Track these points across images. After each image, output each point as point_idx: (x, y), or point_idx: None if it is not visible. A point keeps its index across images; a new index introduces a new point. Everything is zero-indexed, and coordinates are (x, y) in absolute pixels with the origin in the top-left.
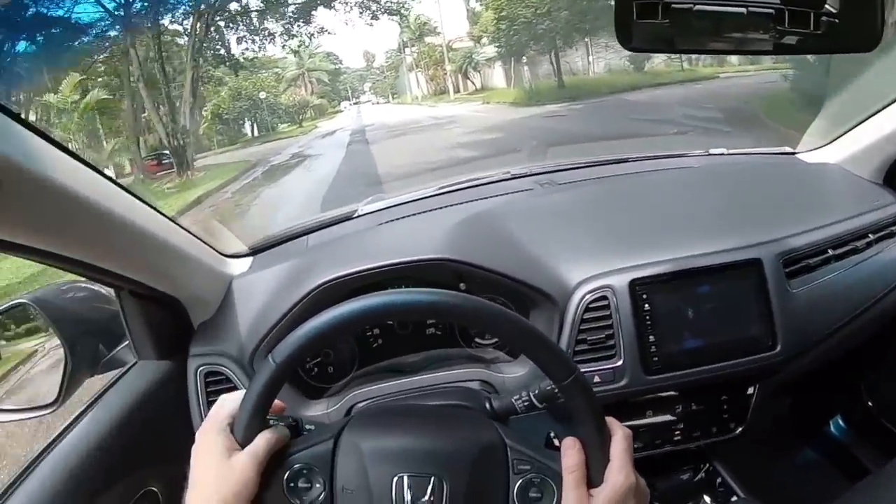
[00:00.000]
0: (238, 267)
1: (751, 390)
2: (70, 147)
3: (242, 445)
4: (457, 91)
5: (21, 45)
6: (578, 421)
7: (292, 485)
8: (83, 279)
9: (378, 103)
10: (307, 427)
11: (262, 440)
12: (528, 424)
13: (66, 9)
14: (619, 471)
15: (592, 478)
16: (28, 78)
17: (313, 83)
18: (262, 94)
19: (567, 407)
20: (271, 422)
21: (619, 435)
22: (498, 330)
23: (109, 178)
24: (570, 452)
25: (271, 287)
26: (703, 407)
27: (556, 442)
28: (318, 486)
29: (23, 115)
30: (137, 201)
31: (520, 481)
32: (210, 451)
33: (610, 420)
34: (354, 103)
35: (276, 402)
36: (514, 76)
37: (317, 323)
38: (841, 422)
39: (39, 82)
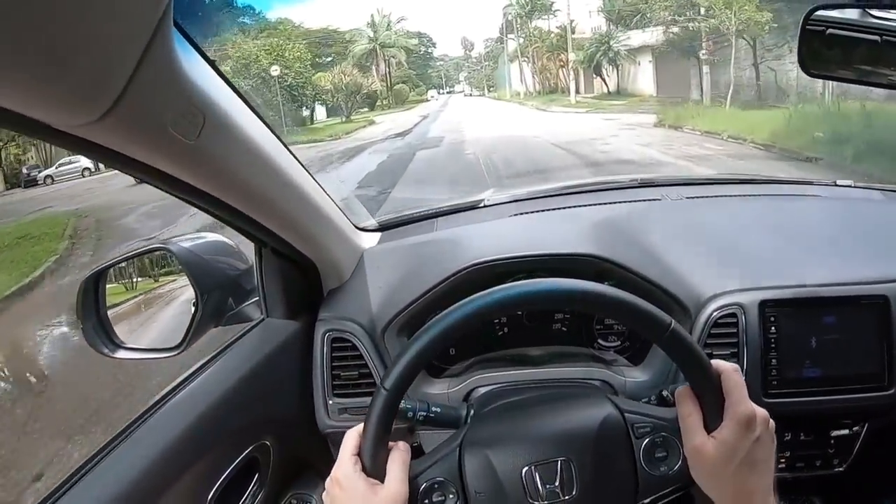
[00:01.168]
0: (369, 240)
1: (860, 428)
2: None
3: (375, 474)
4: (578, 91)
5: None
6: (685, 370)
7: (427, 501)
8: (220, 234)
9: (471, 94)
10: (433, 410)
11: (396, 469)
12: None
13: None
14: (735, 405)
15: (709, 419)
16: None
17: (390, 64)
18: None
19: (672, 359)
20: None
21: (728, 369)
22: (592, 304)
23: (279, 137)
24: (684, 401)
25: (405, 263)
26: (811, 438)
27: (672, 400)
28: (451, 496)
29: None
30: (299, 164)
31: (644, 444)
32: (352, 494)
33: (716, 361)
34: (447, 92)
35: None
36: (670, 79)
37: (419, 344)
38: None
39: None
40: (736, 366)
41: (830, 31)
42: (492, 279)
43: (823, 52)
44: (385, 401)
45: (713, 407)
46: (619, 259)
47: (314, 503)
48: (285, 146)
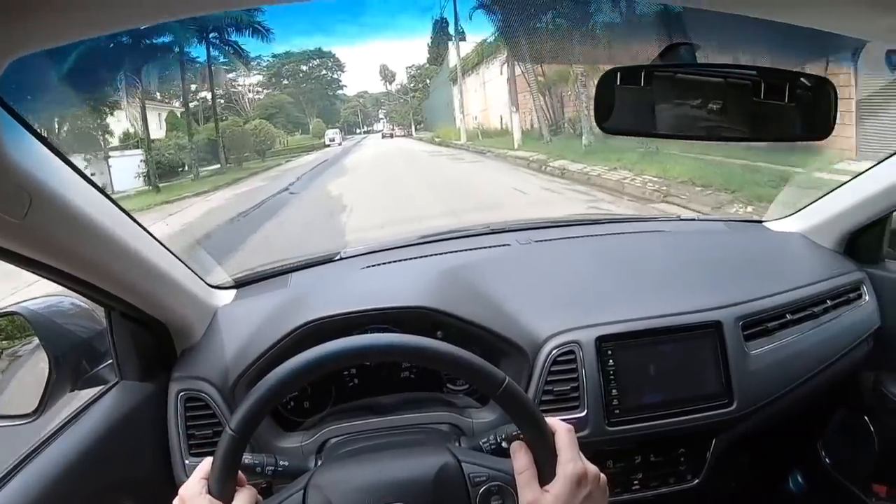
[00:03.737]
0: (223, 298)
1: (708, 444)
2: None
3: (220, 498)
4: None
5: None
6: (520, 425)
7: None
8: (72, 295)
9: (391, 135)
10: (281, 464)
11: (243, 497)
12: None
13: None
14: (567, 462)
15: (544, 475)
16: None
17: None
18: None
19: (507, 414)
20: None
21: (562, 429)
22: (432, 360)
23: (117, 204)
24: (518, 455)
25: (255, 320)
26: (662, 458)
27: (504, 441)
28: None
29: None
30: (139, 228)
31: (480, 491)
32: None
33: (551, 420)
34: (364, 132)
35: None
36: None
37: (266, 386)
38: (799, 478)
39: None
40: (569, 426)
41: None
42: (334, 333)
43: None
44: (230, 442)
45: (546, 463)
46: (453, 310)
47: None
48: (126, 213)
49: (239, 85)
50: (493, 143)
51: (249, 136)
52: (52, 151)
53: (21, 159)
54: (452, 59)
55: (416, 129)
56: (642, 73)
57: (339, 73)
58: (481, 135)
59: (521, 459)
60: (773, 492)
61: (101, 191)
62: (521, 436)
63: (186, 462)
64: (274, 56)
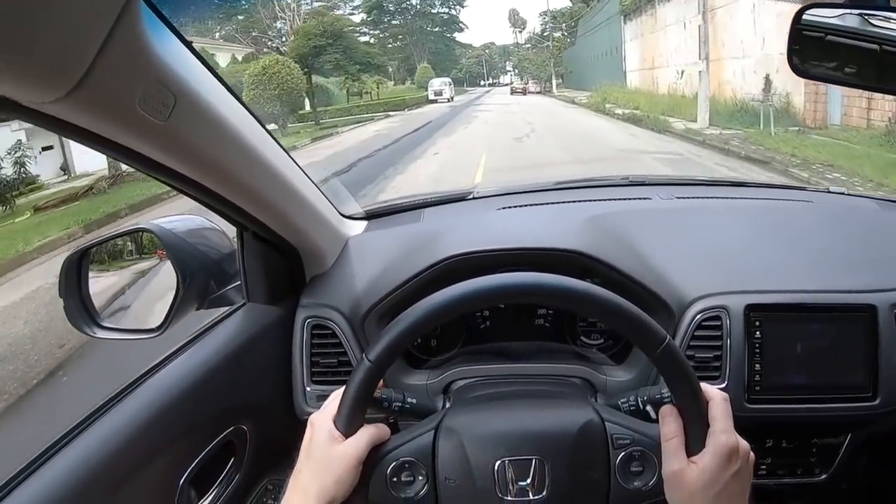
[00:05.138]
0: (355, 228)
1: (843, 438)
2: None
3: (346, 437)
4: None
5: None
6: (674, 389)
7: (395, 479)
8: (204, 215)
9: (523, 90)
10: (409, 401)
11: (364, 434)
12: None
13: None
14: (720, 433)
15: (692, 444)
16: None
17: None
18: None
19: (662, 375)
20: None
21: (717, 397)
22: (591, 307)
23: (258, 120)
24: (668, 420)
25: (388, 252)
26: (793, 446)
27: (653, 414)
28: (420, 478)
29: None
30: (280, 148)
31: (620, 455)
32: (314, 442)
33: (705, 386)
34: (488, 85)
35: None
36: None
37: (410, 319)
38: None
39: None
40: (725, 395)
41: (829, 37)
42: (474, 271)
43: (815, 54)
44: (366, 372)
45: (697, 432)
46: (605, 257)
47: None
48: (266, 130)
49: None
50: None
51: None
52: (197, 57)
53: (165, 57)
54: None
55: (556, 86)
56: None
57: (457, 7)
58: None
59: (670, 425)
60: (889, 502)
61: (243, 104)
62: (668, 399)
63: (307, 390)
64: None
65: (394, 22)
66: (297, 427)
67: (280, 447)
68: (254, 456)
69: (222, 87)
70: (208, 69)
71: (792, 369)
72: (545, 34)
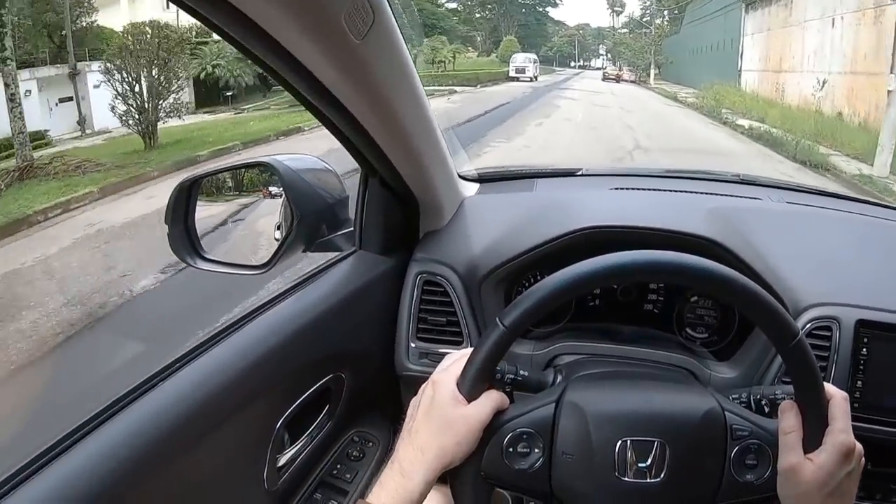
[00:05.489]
0: (469, 189)
1: None
2: None
3: (469, 401)
4: None
5: None
6: (798, 384)
7: (511, 449)
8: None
9: (616, 76)
10: (521, 373)
11: (489, 399)
12: None
13: None
14: (839, 432)
15: (809, 441)
16: None
17: None
18: None
19: (788, 370)
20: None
21: (838, 396)
22: (727, 290)
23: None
24: (787, 415)
25: (507, 217)
26: (885, 470)
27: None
28: (536, 451)
29: None
30: (426, 101)
31: (737, 447)
32: (436, 402)
33: (827, 385)
34: (579, 67)
35: None
36: None
37: (551, 286)
38: None
39: None
40: (846, 394)
41: None
42: (602, 247)
43: None
44: (499, 336)
45: (816, 429)
46: (735, 248)
47: (374, 444)
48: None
49: None
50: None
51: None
52: None
53: None
54: None
55: (653, 77)
56: None
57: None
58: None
59: (789, 420)
60: None
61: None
62: (783, 398)
63: (412, 346)
64: None
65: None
66: (393, 382)
67: (372, 400)
68: (346, 405)
69: (407, 19)
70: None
71: (892, 389)
72: (644, 19)
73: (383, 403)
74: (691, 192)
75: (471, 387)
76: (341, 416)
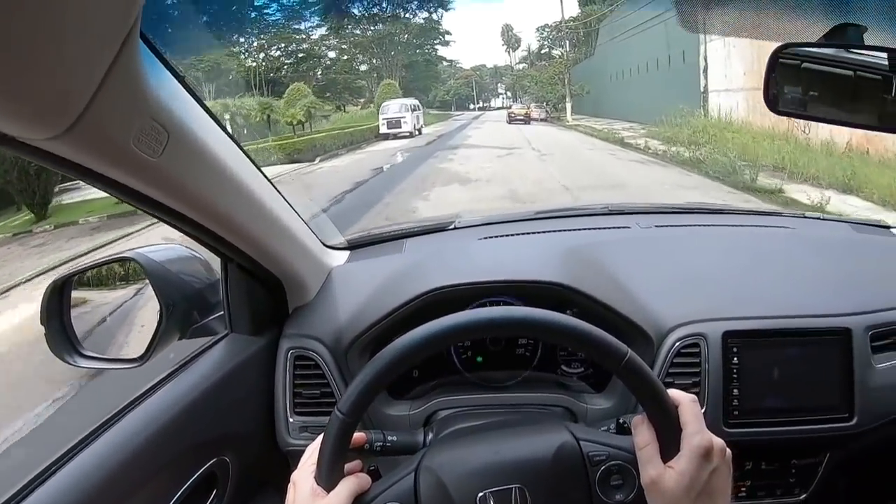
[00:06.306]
0: (337, 258)
1: (821, 458)
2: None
3: (327, 491)
4: None
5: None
6: (641, 400)
7: None
8: (187, 244)
9: (522, 117)
10: (389, 440)
11: (345, 486)
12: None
13: None
14: (692, 435)
15: (667, 451)
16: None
17: None
18: None
19: (629, 389)
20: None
21: (685, 400)
22: (550, 332)
23: (245, 153)
24: (640, 430)
25: (372, 283)
26: (773, 467)
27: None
28: None
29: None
30: (265, 180)
31: (599, 472)
32: (299, 496)
33: (672, 391)
34: (479, 108)
35: (356, 436)
36: None
37: (377, 367)
38: None
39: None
40: (693, 396)
41: (805, 65)
42: (456, 304)
43: (792, 90)
44: (340, 425)
45: (670, 437)
46: (583, 287)
47: None
48: (253, 162)
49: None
50: None
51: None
52: (188, 91)
53: (160, 94)
54: None
55: (570, 111)
56: (812, 52)
57: (439, 11)
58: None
59: (642, 434)
60: None
61: (232, 137)
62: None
63: (290, 420)
64: None
65: (356, 31)
66: (280, 458)
67: (262, 478)
68: (236, 487)
69: (212, 121)
70: (199, 104)
71: (769, 392)
72: (543, 51)
73: (277, 481)
74: (559, 231)
75: (327, 478)
76: (234, 498)
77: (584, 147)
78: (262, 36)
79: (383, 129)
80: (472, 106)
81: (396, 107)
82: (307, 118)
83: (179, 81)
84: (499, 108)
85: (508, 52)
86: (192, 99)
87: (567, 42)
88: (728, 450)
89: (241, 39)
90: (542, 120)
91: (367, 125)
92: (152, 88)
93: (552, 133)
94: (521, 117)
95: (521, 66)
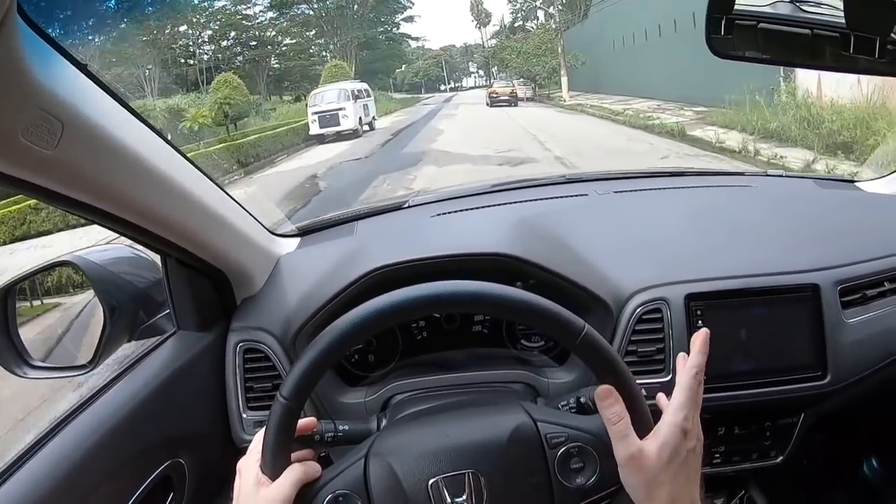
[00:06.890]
0: (286, 246)
1: (796, 419)
2: None
3: (272, 480)
4: None
5: None
6: (601, 376)
7: None
8: (128, 242)
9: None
10: (341, 429)
11: (288, 475)
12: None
13: None
14: (678, 409)
15: (640, 422)
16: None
17: None
18: None
19: (587, 365)
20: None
21: (683, 378)
22: (502, 308)
23: (169, 142)
24: (608, 402)
25: (319, 269)
26: (747, 431)
27: (588, 403)
28: None
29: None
30: (195, 169)
31: (558, 454)
32: (242, 491)
33: (680, 360)
34: (451, 89)
35: (305, 421)
36: None
37: (317, 348)
38: (874, 463)
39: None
40: (695, 371)
41: (762, 25)
42: (404, 282)
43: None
44: (283, 410)
45: (638, 413)
46: (537, 259)
47: None
48: (178, 151)
49: None
50: None
51: None
52: (90, 77)
53: (49, 83)
54: None
55: (566, 87)
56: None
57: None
58: None
59: (612, 407)
60: (847, 475)
61: (151, 126)
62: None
63: (244, 416)
64: None
65: (301, 5)
66: (237, 456)
67: (222, 477)
68: (195, 489)
69: (122, 107)
70: (104, 90)
71: (739, 355)
72: (517, 24)
73: (235, 478)
74: (514, 203)
75: (271, 466)
76: (193, 500)
77: (632, 145)
78: (195, 16)
79: (314, 129)
80: (442, 87)
81: (333, 95)
82: (224, 118)
83: (78, 68)
84: (471, 88)
85: (479, 28)
86: (94, 86)
87: (554, 2)
88: (702, 439)
89: (168, 24)
90: (528, 99)
91: (301, 122)
92: (37, 76)
93: (555, 119)
94: (506, 97)
95: (492, 41)
